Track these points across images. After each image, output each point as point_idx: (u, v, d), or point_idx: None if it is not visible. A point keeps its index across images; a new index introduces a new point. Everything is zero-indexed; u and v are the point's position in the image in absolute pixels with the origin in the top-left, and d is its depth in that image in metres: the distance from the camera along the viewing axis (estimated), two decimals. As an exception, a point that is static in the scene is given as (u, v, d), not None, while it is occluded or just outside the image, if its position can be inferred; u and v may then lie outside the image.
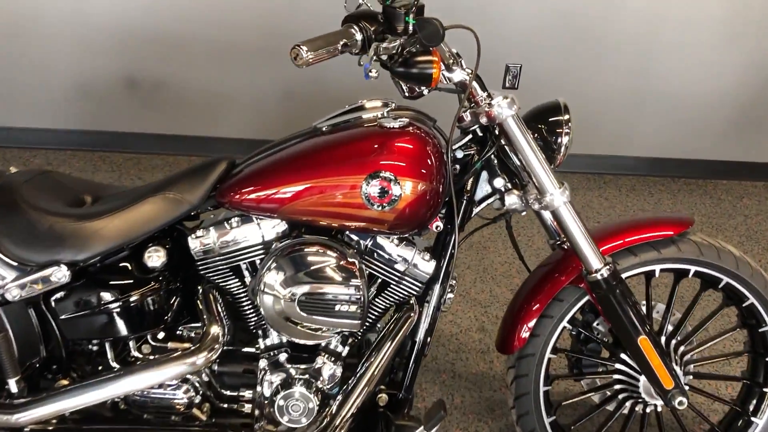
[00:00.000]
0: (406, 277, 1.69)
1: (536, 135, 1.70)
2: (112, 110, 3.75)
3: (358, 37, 1.47)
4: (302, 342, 1.69)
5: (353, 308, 1.60)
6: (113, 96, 3.73)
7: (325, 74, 3.47)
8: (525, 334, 1.80)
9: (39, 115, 3.75)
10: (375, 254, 1.68)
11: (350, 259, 1.61)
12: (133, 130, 3.79)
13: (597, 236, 1.75)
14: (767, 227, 3.57)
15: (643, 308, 1.83)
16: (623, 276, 1.75)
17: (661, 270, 1.81)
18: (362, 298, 1.60)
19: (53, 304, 1.65)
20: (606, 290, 1.70)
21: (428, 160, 1.59)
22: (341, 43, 1.43)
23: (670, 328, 1.86)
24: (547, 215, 1.79)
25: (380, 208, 1.56)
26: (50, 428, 1.64)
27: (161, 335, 1.75)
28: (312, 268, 1.60)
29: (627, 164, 4.05)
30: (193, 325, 1.78)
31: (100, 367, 1.71)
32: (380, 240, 1.68)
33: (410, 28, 1.50)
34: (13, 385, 1.60)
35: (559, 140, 1.71)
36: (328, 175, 1.58)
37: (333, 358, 1.72)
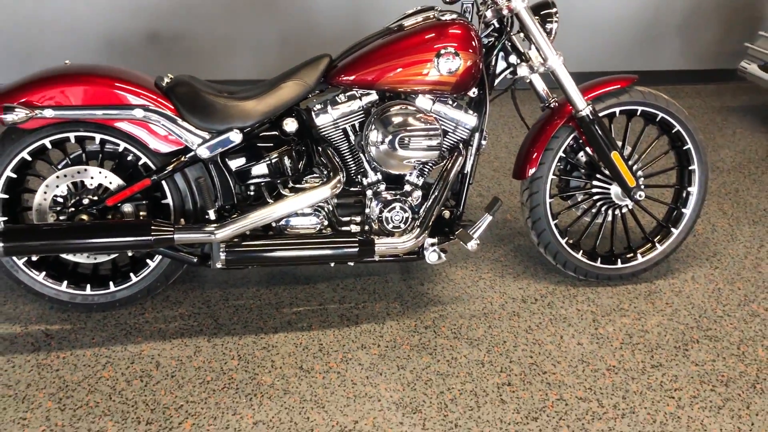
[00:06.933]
0: (459, 126, 2.51)
1: (534, 24, 2.55)
2: (140, 62, 4.34)
3: None
4: (397, 173, 2.49)
5: (435, 142, 2.41)
6: (139, 49, 4.32)
7: (318, 20, 4.20)
8: (535, 163, 2.67)
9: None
10: (438, 111, 2.49)
11: (427, 114, 2.42)
12: (154, 79, 4.39)
13: (580, 89, 2.63)
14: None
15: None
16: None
17: (620, 112, 2.72)
18: (439, 136, 2.41)
19: (227, 161, 2.38)
20: (589, 122, 2.58)
21: (473, 42, 2.41)
22: None
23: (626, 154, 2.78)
24: (539, 85, 2.64)
25: (447, 73, 2.37)
26: (236, 240, 2.36)
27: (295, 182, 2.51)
28: (406, 119, 2.39)
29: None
30: (313, 176, 2.53)
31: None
32: (440, 102, 2.49)
33: None
34: (212, 214, 2.32)
35: (550, 27, 2.57)
36: (409, 54, 2.37)
37: (415, 186, 2.53)
